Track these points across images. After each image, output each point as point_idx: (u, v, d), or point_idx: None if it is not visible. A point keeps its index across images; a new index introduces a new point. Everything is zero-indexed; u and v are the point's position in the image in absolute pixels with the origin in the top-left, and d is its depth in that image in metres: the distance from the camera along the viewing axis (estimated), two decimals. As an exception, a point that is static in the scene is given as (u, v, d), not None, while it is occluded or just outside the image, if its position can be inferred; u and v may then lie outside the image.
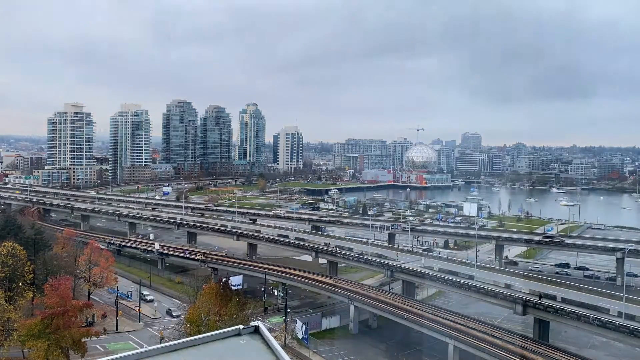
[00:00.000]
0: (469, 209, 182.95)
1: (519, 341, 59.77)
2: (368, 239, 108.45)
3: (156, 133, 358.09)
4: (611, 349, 64.03)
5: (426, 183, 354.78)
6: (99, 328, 68.89)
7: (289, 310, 74.76)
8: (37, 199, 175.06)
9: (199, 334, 10.02)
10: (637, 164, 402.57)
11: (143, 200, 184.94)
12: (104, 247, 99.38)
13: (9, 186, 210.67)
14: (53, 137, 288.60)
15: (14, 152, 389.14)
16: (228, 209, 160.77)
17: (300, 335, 68.27)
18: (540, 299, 65.68)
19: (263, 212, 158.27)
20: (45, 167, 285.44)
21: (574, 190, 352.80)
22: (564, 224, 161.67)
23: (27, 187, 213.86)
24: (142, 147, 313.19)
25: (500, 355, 55.54)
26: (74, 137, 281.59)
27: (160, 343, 56.17)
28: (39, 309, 59.79)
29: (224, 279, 75.49)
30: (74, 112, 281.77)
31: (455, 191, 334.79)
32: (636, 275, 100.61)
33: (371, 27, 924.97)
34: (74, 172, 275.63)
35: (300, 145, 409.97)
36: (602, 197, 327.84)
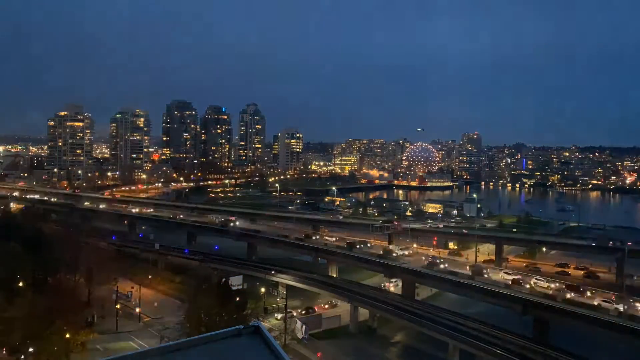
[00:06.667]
0: (469, 209, 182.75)
1: (519, 341, 59.82)
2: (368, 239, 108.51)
3: (156, 133, 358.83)
4: (611, 349, 63.94)
5: (426, 183, 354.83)
6: (99, 328, 68.92)
7: (288, 310, 74.74)
8: (37, 198, 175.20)
9: (199, 334, 10.06)
10: (637, 164, 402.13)
11: (142, 201, 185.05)
12: (104, 247, 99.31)
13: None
14: (53, 137, 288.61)
15: (13, 153, 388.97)
16: (228, 209, 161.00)
17: (300, 335, 68.23)
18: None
19: (263, 212, 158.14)
20: (45, 167, 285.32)
21: (574, 191, 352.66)
22: (564, 224, 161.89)
23: (26, 187, 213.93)
24: (142, 147, 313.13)
25: (500, 355, 55.59)
26: (73, 137, 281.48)
27: (161, 343, 55.97)
28: (39, 309, 59.71)
29: (223, 279, 75.48)
30: (74, 113, 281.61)
31: (455, 191, 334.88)
32: (635, 276, 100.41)
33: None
34: (73, 172, 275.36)
35: (300, 145, 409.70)
36: (602, 197, 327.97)
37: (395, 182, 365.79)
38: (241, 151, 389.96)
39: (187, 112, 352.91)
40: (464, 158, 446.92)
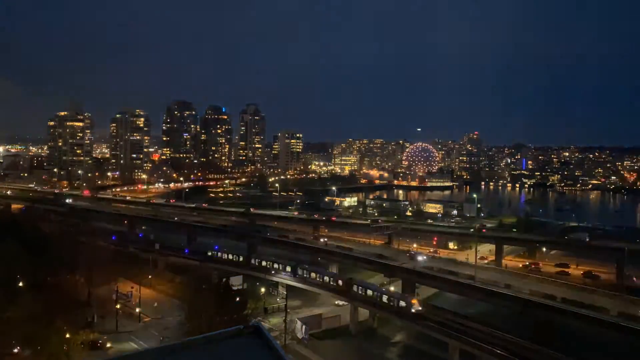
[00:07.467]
0: (469, 209, 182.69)
1: (519, 341, 59.75)
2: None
3: (156, 133, 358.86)
4: (611, 348, 63.94)
5: (426, 183, 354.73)
6: (99, 328, 68.86)
7: (288, 310, 74.69)
8: (36, 198, 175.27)
9: (199, 334, 10.05)
10: (637, 164, 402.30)
11: (143, 201, 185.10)
12: (104, 247, 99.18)
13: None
14: (53, 137, 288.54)
15: (13, 153, 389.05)
16: (228, 209, 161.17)
17: (300, 335, 68.21)
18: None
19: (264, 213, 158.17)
20: (45, 167, 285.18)
21: (574, 191, 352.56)
22: (564, 224, 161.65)
23: (26, 187, 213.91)
24: (142, 147, 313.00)
25: (500, 355, 55.57)
26: (73, 137, 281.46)
27: (161, 343, 55.90)
28: (39, 309, 59.72)
29: (223, 279, 75.47)
30: (74, 113, 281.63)
31: (455, 191, 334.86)
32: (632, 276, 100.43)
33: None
34: (73, 172, 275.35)
35: (300, 145, 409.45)
36: (602, 197, 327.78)
37: (395, 182, 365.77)
38: (241, 151, 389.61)
39: (187, 112, 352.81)
40: (464, 158, 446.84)
